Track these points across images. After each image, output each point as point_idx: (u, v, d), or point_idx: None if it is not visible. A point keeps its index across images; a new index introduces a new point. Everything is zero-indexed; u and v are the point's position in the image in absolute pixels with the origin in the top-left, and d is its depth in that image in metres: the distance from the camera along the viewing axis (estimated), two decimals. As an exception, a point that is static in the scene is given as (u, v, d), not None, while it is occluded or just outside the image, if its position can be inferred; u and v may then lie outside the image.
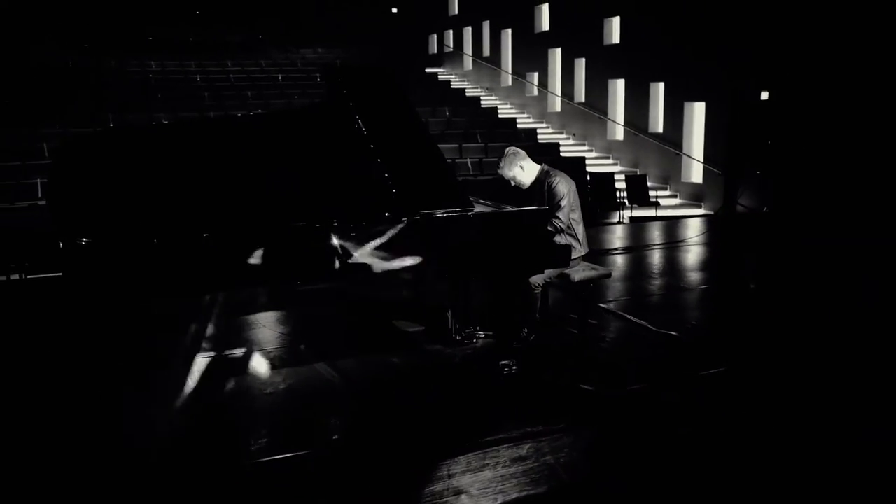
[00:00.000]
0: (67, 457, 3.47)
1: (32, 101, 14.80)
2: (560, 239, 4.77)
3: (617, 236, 10.09)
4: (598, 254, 8.47)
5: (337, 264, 3.78)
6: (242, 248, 3.53)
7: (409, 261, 3.96)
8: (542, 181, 4.92)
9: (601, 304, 5.99)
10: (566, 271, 4.84)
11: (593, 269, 5.00)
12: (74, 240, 3.39)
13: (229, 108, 15.11)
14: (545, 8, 17.98)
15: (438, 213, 3.90)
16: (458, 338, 4.95)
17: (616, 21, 15.51)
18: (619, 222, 12.16)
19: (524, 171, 4.94)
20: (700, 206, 13.28)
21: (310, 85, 17.91)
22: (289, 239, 3.63)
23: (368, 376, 4.46)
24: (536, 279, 4.73)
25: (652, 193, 12.91)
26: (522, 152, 5.01)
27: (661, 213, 12.56)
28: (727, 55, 12.28)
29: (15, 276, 7.28)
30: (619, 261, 8.21)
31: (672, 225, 11.17)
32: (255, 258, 3.58)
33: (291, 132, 4.34)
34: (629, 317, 5.66)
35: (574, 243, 4.85)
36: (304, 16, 23.70)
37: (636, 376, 4.41)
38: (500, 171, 5.02)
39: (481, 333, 5.02)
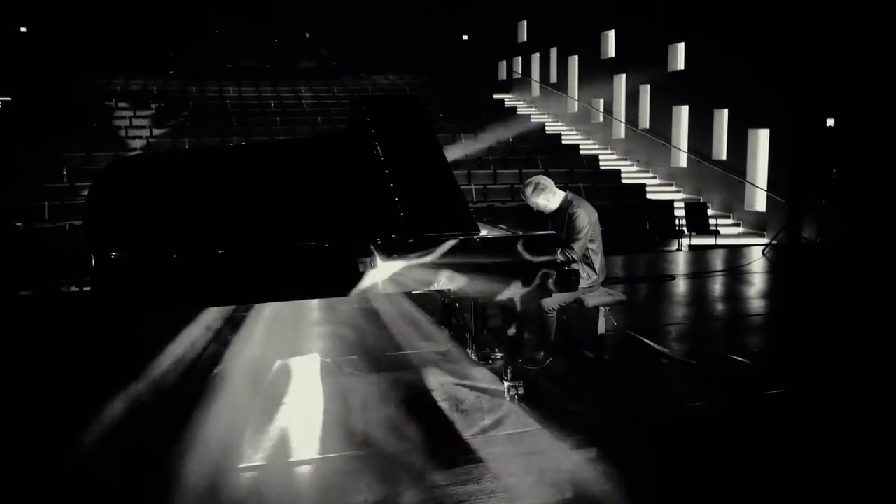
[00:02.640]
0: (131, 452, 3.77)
1: (118, 124, 15.82)
2: (575, 267, 4.86)
3: (668, 263, 10.00)
4: (630, 280, 8.47)
5: (345, 283, 3.99)
6: (252, 265, 3.79)
7: (416, 281, 4.13)
8: (564, 209, 4.98)
9: (629, 332, 6.00)
10: (581, 296, 4.93)
11: (609, 294, 5.06)
12: (106, 255, 3.72)
13: (299, 133, 15.72)
14: (611, 35, 18.02)
15: (443, 236, 4.07)
16: (475, 358, 5.09)
17: (681, 47, 15.44)
18: (677, 250, 12.02)
19: (549, 202, 5.01)
20: (763, 236, 12.98)
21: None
22: (297, 257, 3.87)
23: (378, 392, 4.63)
24: (549, 303, 4.82)
25: (713, 222, 12.71)
26: (549, 185, 5.01)
27: (721, 241, 12.35)
28: (792, 81, 12.05)
29: (87, 288, 7.84)
30: (660, 288, 8.16)
31: (727, 254, 10.96)
32: (267, 275, 3.83)
33: (317, 157, 4.59)
34: (651, 343, 5.66)
35: (589, 272, 4.94)
36: (378, 43, 24.40)
37: (635, 403, 4.44)
38: (525, 199, 5.09)
39: (498, 355, 5.14)
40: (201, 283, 3.76)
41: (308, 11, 23.78)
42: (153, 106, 17.53)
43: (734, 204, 13.98)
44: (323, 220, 4.13)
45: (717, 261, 10.19)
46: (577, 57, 19.84)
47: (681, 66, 15.49)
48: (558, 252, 4.79)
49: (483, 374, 4.94)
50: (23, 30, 20.69)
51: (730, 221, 13.88)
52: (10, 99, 18.31)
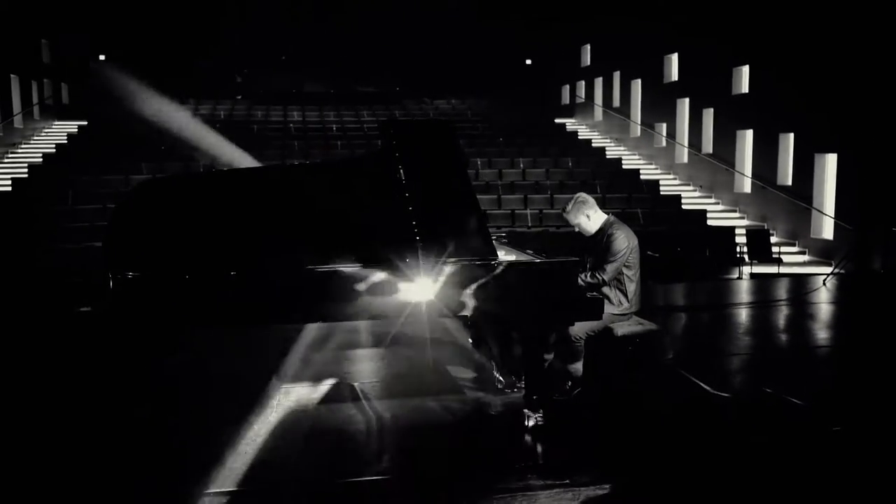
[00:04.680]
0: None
1: (189, 147, 16.36)
2: (608, 291, 4.72)
3: (724, 292, 9.64)
4: (673, 309, 8.19)
5: (361, 307, 3.97)
6: (263, 287, 3.80)
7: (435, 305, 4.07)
8: (604, 231, 4.82)
9: (665, 363, 5.77)
10: (610, 325, 4.76)
11: (640, 323, 4.87)
12: (123, 274, 3.79)
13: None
14: (674, 58, 17.70)
15: (459, 261, 4.00)
16: (499, 386, 4.98)
17: (745, 70, 15.02)
18: (738, 278, 11.62)
19: (589, 220, 4.86)
20: (830, 264, 12.39)
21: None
22: (309, 280, 3.86)
23: (402, 418, 4.57)
24: (577, 332, 4.67)
25: (776, 249, 12.23)
26: (591, 201, 4.89)
27: (784, 269, 11.87)
28: (861, 104, 11.55)
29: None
30: (709, 318, 7.86)
31: (787, 283, 10.51)
32: (279, 297, 3.84)
33: (342, 180, 4.60)
34: (689, 376, 5.41)
35: (621, 298, 4.77)
36: (440, 68, 24.58)
37: (658, 439, 4.25)
38: (565, 216, 4.96)
39: (522, 383, 5.00)
40: (213, 303, 3.79)
41: (372, 37, 24.17)
42: (219, 129, 18.05)
43: (800, 231, 13.44)
44: (338, 244, 4.12)
45: (775, 290, 9.77)
46: (640, 81, 19.54)
47: (745, 89, 15.06)
48: (587, 275, 4.66)
49: (507, 401, 4.82)
50: (101, 57, 21.71)
51: (795, 249, 13.34)
52: (86, 123, 19.21)
